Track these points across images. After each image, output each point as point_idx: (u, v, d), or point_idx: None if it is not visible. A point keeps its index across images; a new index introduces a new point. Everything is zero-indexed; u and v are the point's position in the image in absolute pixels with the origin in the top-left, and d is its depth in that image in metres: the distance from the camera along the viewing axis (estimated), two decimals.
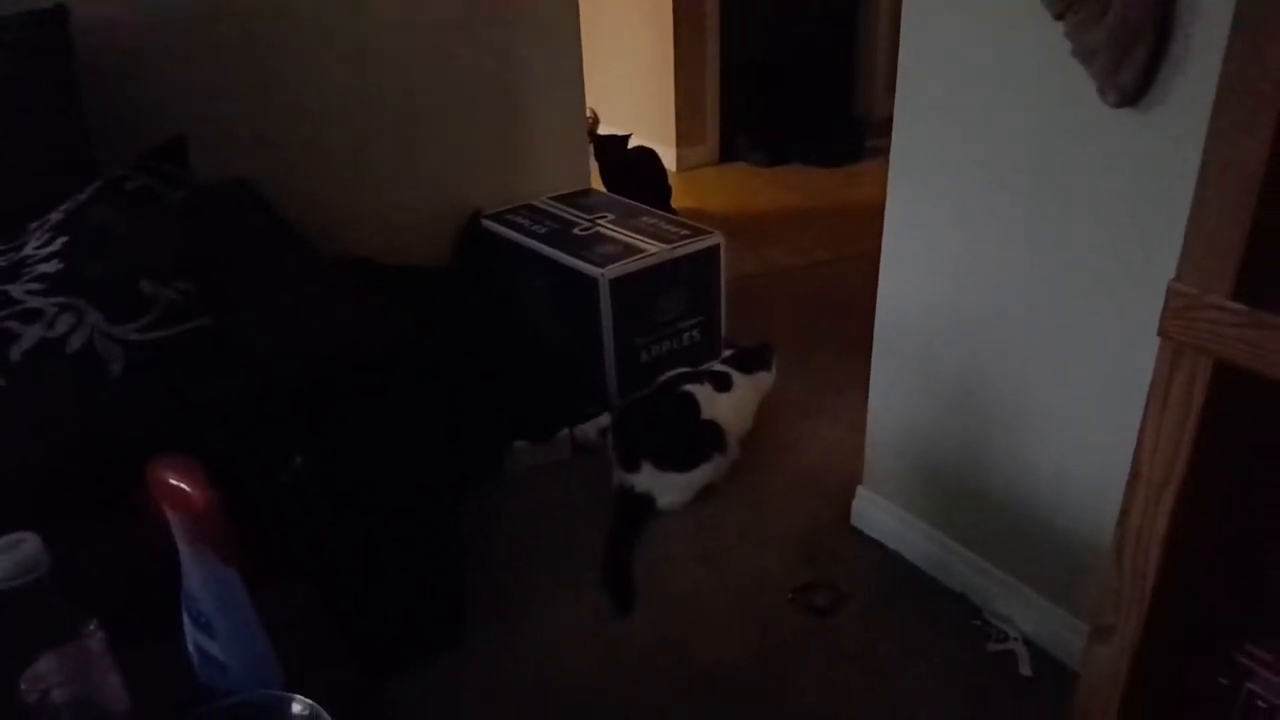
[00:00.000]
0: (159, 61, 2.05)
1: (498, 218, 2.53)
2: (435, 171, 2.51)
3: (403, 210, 2.48)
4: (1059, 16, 1.26)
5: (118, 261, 1.28)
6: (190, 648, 0.85)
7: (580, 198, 2.67)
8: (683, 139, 4.23)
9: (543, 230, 2.44)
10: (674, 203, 3.56)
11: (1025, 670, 1.63)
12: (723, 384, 2.13)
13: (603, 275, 2.20)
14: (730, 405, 2.12)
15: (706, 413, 2.06)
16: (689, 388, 2.08)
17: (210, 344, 1.30)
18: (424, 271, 2.46)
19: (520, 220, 2.51)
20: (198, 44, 2.08)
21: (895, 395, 1.84)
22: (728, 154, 4.37)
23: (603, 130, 3.90)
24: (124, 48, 1.99)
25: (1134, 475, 0.94)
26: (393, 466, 1.49)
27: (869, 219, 1.73)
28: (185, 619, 0.84)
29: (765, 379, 2.23)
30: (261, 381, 1.36)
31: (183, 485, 0.75)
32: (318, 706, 0.68)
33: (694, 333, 2.43)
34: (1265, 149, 0.75)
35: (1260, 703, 1.04)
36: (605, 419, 2.23)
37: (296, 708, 0.69)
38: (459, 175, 2.56)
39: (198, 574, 0.80)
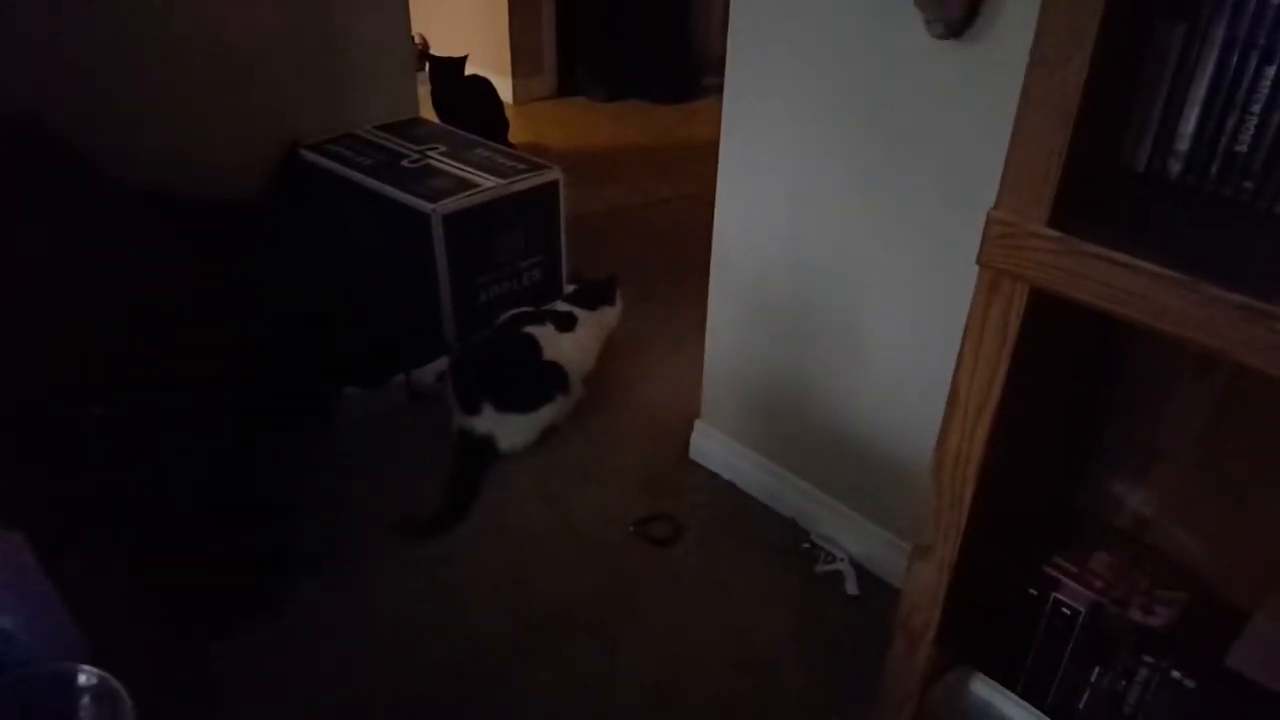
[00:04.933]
0: None
1: (318, 149, 2.37)
2: (247, 97, 2.32)
3: (212, 141, 2.28)
4: None
5: None
6: None
7: (408, 128, 2.54)
8: (519, 69, 4.10)
9: (368, 162, 2.30)
10: (511, 137, 3.46)
11: (852, 589, 1.71)
12: (565, 323, 2.10)
13: (435, 211, 2.10)
14: (573, 345, 2.09)
15: (548, 353, 2.03)
16: (529, 329, 2.04)
17: None
18: (236, 207, 2.28)
19: (343, 151, 2.36)
20: None
21: (731, 331, 1.87)
22: (566, 88, 4.28)
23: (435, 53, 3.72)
24: None
25: (952, 400, 0.98)
26: (199, 416, 1.39)
27: (708, 157, 1.73)
28: None
29: (610, 313, 2.22)
30: (51, 329, 1.23)
31: None
32: (108, 676, 0.62)
33: (535, 272, 2.37)
34: (1080, 81, 0.77)
35: (1065, 610, 1.13)
36: (443, 363, 2.16)
37: (82, 678, 0.63)
38: (273, 101, 2.37)
39: None
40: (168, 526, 1.37)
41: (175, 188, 2.13)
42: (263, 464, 1.60)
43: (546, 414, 2.03)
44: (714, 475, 1.99)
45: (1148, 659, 1.08)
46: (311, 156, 2.36)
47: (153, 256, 1.46)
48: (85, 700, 0.63)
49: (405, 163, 2.31)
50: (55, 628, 0.78)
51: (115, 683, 0.62)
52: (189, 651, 0.84)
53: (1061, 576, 1.14)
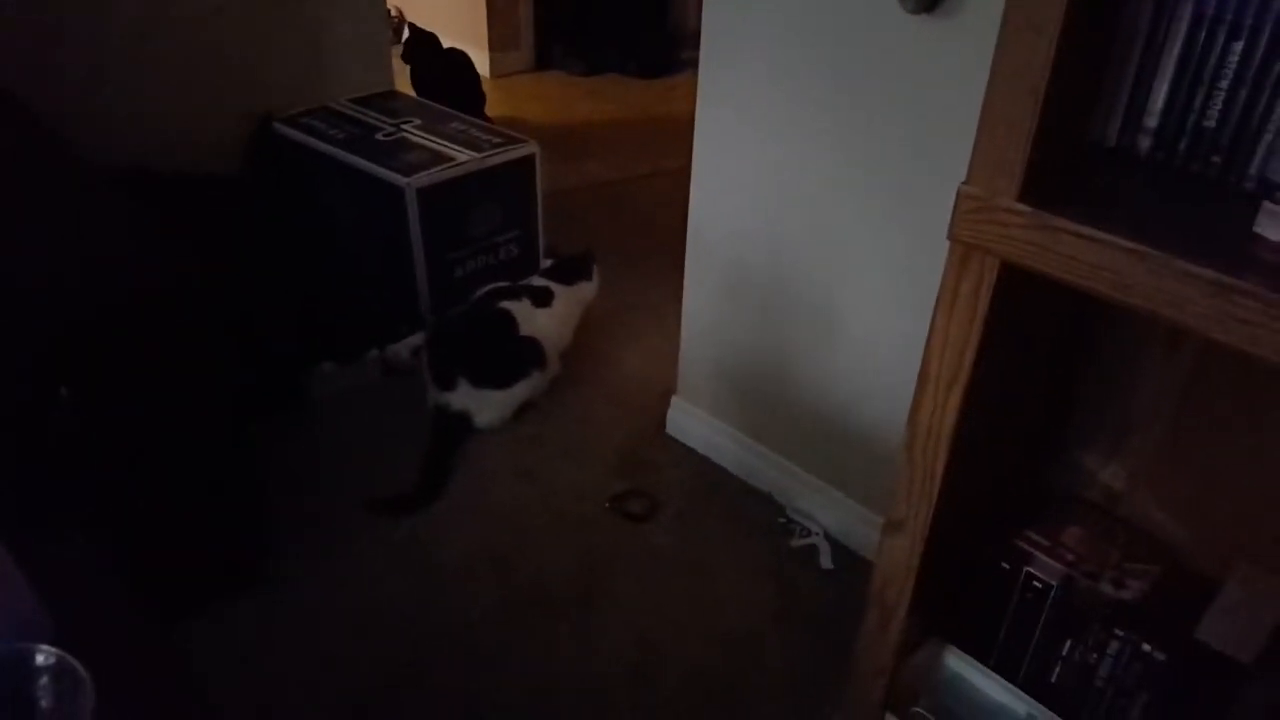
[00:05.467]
0: None
1: (291, 122, 2.34)
2: (220, 69, 2.27)
3: (183, 114, 2.24)
4: None
5: None
6: None
7: (383, 100, 2.50)
8: (496, 43, 4.04)
9: (342, 135, 2.27)
10: (488, 111, 3.42)
11: (826, 563, 1.73)
12: (542, 299, 2.08)
13: (409, 184, 2.08)
14: (549, 320, 2.08)
15: (525, 329, 2.02)
16: (506, 304, 2.02)
17: None
18: (210, 181, 2.24)
19: (316, 124, 2.32)
20: None
21: (707, 306, 1.86)
22: (544, 62, 4.23)
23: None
24: None
25: (923, 374, 0.97)
26: (172, 395, 1.37)
27: (686, 132, 1.72)
28: None
29: (586, 288, 2.21)
30: (20, 312, 1.20)
31: None
32: (66, 655, 0.61)
33: (511, 247, 2.35)
34: (1050, 56, 0.77)
35: (1037, 584, 1.14)
36: (418, 338, 2.14)
37: (40, 658, 0.62)
38: (246, 74, 2.32)
39: None
40: (142, 509, 1.35)
41: (146, 162, 2.09)
42: (239, 444, 1.58)
43: (523, 390, 2.03)
44: (690, 451, 1.99)
45: (1119, 632, 1.09)
46: (285, 130, 2.32)
47: (127, 234, 1.43)
48: (44, 680, 0.62)
49: (380, 136, 2.28)
50: (17, 608, 0.77)
51: (74, 662, 0.61)
52: (164, 634, 0.83)
53: (1033, 550, 1.15)
